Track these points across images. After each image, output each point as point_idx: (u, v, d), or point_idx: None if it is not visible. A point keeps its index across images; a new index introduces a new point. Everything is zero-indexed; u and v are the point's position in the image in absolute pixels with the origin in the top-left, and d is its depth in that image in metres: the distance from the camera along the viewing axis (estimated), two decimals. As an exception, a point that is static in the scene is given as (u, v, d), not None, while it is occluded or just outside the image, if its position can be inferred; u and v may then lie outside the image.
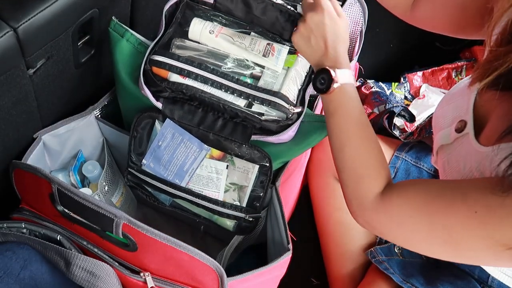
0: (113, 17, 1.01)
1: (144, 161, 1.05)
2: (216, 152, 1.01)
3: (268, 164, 1.01)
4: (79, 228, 0.93)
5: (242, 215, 1.05)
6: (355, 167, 0.85)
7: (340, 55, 0.89)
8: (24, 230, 0.96)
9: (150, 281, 0.92)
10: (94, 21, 0.97)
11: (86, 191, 1.10)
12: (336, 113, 0.87)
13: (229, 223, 1.10)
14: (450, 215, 0.72)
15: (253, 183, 1.03)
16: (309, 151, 1.16)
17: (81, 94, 1.11)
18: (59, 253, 0.88)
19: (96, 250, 0.94)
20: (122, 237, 0.87)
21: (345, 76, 0.87)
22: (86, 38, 1.00)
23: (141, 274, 0.92)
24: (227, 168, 1.02)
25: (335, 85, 0.86)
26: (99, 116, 1.14)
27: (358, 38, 1.24)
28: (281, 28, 1.00)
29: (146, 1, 1.11)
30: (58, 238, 0.94)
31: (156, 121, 1.03)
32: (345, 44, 0.91)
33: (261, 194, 1.04)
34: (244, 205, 1.05)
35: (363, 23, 1.22)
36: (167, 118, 1.00)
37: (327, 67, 0.87)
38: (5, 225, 0.95)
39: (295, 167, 1.09)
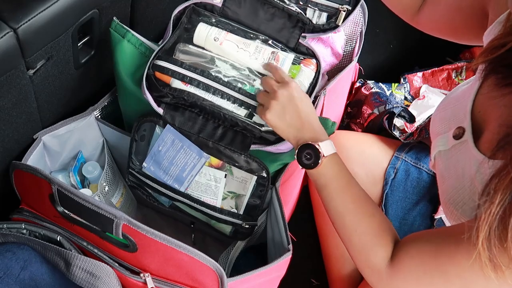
0: (114, 18, 1.01)
1: (144, 164, 1.05)
2: (215, 161, 1.01)
3: (265, 175, 1.01)
4: (79, 228, 0.93)
5: (239, 222, 1.05)
6: (359, 238, 0.84)
7: (317, 126, 0.89)
8: (24, 231, 0.96)
9: (150, 282, 0.92)
10: (94, 21, 0.97)
11: (86, 191, 1.10)
12: (329, 186, 0.87)
13: (226, 228, 1.10)
14: (459, 261, 0.72)
15: (251, 193, 1.03)
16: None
17: (81, 95, 1.11)
18: (59, 254, 0.88)
19: (96, 251, 0.94)
20: (122, 237, 0.87)
21: (329, 147, 0.87)
22: (86, 38, 1.00)
23: (141, 274, 0.92)
24: (225, 177, 1.02)
25: (322, 159, 0.86)
26: (99, 116, 1.14)
27: (358, 39, 1.24)
28: (288, 34, 1.01)
29: (146, 1, 1.11)
30: (58, 239, 0.94)
31: (157, 126, 1.03)
32: (315, 114, 0.91)
33: (258, 203, 1.04)
34: (241, 212, 1.05)
35: (363, 24, 1.23)
36: (168, 124, 1.00)
37: (310, 142, 0.87)
38: (5, 225, 0.95)
39: (295, 168, 1.09)
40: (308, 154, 0.87)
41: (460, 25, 0.94)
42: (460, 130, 0.83)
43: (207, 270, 0.87)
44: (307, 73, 1.00)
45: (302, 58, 1.01)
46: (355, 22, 1.23)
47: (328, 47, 1.17)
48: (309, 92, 1.00)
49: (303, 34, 1.03)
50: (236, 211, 1.05)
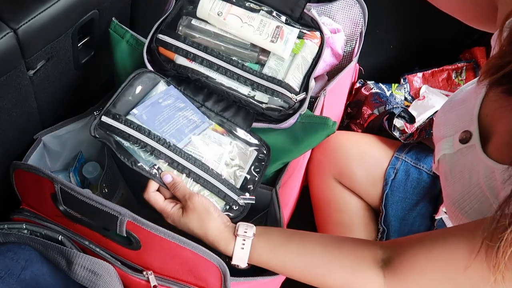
0: (113, 18, 1.01)
1: (134, 110, 0.93)
2: (220, 128, 1.00)
3: (266, 152, 1.00)
4: (81, 227, 0.93)
5: (235, 196, 0.96)
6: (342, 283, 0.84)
7: (214, 240, 0.87)
8: (25, 231, 0.95)
9: (153, 280, 0.91)
10: (94, 22, 0.98)
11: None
12: (277, 270, 0.88)
13: (219, 203, 0.98)
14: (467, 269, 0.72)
15: (249, 167, 1.00)
16: (308, 152, 1.16)
17: (81, 95, 1.11)
18: (61, 253, 0.88)
19: (98, 249, 0.94)
20: (125, 235, 0.87)
21: (239, 257, 0.86)
22: (86, 39, 1.00)
23: (144, 272, 0.92)
24: (230, 144, 0.99)
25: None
26: (99, 117, 1.14)
27: (358, 39, 1.24)
28: (293, 3, 1.01)
29: (146, 2, 1.11)
30: (60, 239, 0.94)
31: (161, 81, 0.99)
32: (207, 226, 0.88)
33: (256, 179, 0.99)
34: (238, 186, 0.98)
35: (363, 24, 1.23)
36: (173, 85, 0.99)
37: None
38: (5, 226, 0.95)
39: (294, 168, 1.09)
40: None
41: (472, 10, 0.92)
42: (467, 134, 0.83)
43: (211, 267, 0.87)
44: (310, 47, 1.01)
45: (306, 31, 1.02)
46: (355, 23, 1.23)
47: (328, 47, 1.17)
48: (312, 67, 1.01)
49: (308, 5, 1.03)
50: (233, 183, 0.98)
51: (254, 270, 0.93)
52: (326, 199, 1.22)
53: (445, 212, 1.07)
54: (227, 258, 0.88)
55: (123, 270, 0.92)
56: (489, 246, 0.67)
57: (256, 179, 0.99)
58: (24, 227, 0.95)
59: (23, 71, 0.87)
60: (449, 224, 1.06)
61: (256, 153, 1.00)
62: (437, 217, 1.11)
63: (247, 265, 0.88)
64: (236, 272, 0.90)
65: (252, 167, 0.99)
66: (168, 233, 0.85)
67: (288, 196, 1.13)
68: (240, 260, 0.86)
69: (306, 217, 1.31)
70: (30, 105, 0.96)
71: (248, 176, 0.99)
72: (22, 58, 0.85)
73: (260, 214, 1.08)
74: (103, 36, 1.03)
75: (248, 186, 0.98)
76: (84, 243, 0.95)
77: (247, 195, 0.96)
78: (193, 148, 0.94)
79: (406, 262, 0.78)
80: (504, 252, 0.65)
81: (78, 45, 0.98)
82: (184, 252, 0.86)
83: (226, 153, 0.97)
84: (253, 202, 0.98)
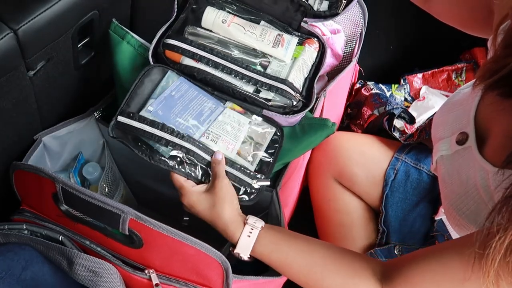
0: (113, 19, 1.01)
1: (150, 107, 0.95)
2: (239, 108, 1.02)
3: (279, 133, 1.01)
4: (82, 227, 0.93)
5: (249, 180, 0.97)
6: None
7: (223, 226, 0.89)
8: (26, 232, 0.95)
9: (154, 278, 0.91)
10: (94, 23, 0.98)
11: (86, 192, 1.10)
12: (276, 266, 0.88)
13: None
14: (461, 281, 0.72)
15: (267, 146, 1.00)
16: (308, 152, 1.17)
17: (81, 96, 1.11)
18: (61, 253, 0.88)
19: (99, 249, 0.94)
20: (128, 233, 0.87)
21: (244, 244, 0.87)
22: (86, 40, 1.00)
23: (146, 271, 0.92)
24: (249, 124, 1.00)
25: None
26: (99, 117, 1.14)
27: (358, 40, 1.24)
28: (291, 18, 1.04)
29: (146, 3, 1.11)
30: (60, 239, 0.94)
31: (169, 71, 0.99)
32: (222, 212, 0.89)
33: (271, 161, 1.00)
34: (253, 168, 0.99)
35: (363, 25, 1.23)
36: (182, 76, 1.00)
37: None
38: (6, 226, 0.95)
39: (294, 168, 1.10)
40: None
41: (468, 16, 0.93)
42: (464, 136, 0.83)
43: (213, 263, 0.87)
44: (310, 52, 1.04)
45: (305, 37, 1.05)
46: (355, 23, 1.23)
47: (328, 48, 1.17)
48: (312, 72, 1.03)
49: (304, 19, 1.06)
50: (251, 163, 0.99)
51: (255, 271, 0.93)
52: (326, 200, 1.22)
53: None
54: (231, 247, 0.89)
55: (124, 269, 0.92)
56: (481, 255, 0.67)
57: (271, 161, 1.00)
58: (25, 227, 0.95)
59: (23, 71, 0.88)
60: (448, 225, 1.06)
61: (272, 132, 1.01)
62: (437, 217, 1.11)
63: (249, 257, 0.88)
64: (238, 271, 0.90)
65: (268, 148, 1.00)
66: (171, 230, 0.85)
67: (288, 196, 1.13)
68: (244, 248, 0.87)
69: (306, 218, 1.31)
70: (30, 105, 0.96)
71: (264, 158, 1.00)
72: (22, 59, 0.85)
73: (261, 214, 1.09)
74: (103, 36, 1.03)
75: (263, 169, 1.00)
76: (85, 243, 0.95)
77: (262, 177, 0.98)
78: (210, 134, 0.96)
79: (404, 276, 0.79)
80: (493, 260, 0.65)
81: (78, 45, 0.99)
82: (186, 249, 0.86)
83: (243, 132, 0.99)
84: (268, 183, 0.99)
